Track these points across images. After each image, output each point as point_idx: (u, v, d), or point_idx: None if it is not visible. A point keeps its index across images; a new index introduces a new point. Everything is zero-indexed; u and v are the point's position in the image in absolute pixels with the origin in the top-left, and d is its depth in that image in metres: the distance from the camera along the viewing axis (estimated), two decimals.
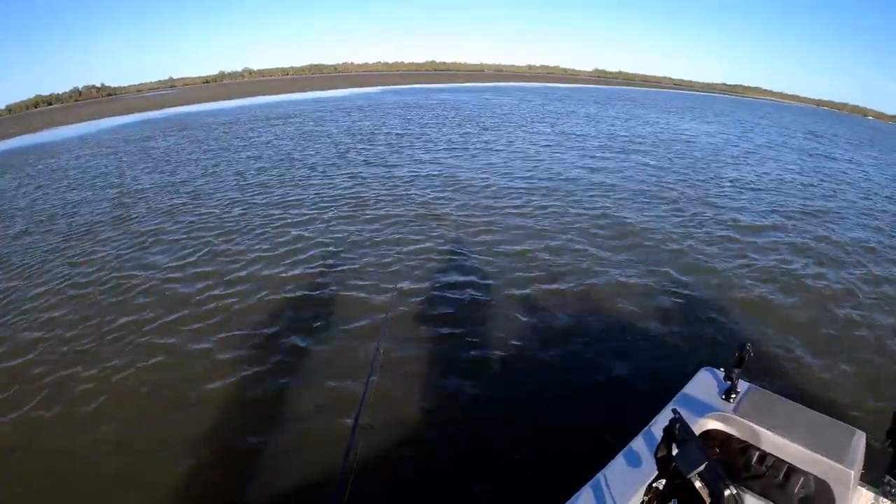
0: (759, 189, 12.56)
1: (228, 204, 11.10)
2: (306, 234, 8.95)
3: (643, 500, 1.99)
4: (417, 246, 8.19)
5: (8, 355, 5.76)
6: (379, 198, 10.85)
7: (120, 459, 4.15)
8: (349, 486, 1.61)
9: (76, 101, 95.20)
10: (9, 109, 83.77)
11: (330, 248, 8.26)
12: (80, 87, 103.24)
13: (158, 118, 35.51)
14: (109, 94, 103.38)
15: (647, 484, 1.98)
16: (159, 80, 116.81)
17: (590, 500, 2.14)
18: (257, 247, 8.47)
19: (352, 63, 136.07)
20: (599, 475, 2.26)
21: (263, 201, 11.13)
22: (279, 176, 13.43)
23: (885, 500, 2.36)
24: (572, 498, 2.17)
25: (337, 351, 5.45)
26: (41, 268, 8.29)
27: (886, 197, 13.36)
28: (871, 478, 2.39)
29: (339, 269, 7.47)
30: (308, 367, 5.24)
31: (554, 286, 6.74)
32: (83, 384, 5.14)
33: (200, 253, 8.38)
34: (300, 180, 12.87)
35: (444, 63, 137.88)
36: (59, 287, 7.46)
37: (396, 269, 7.34)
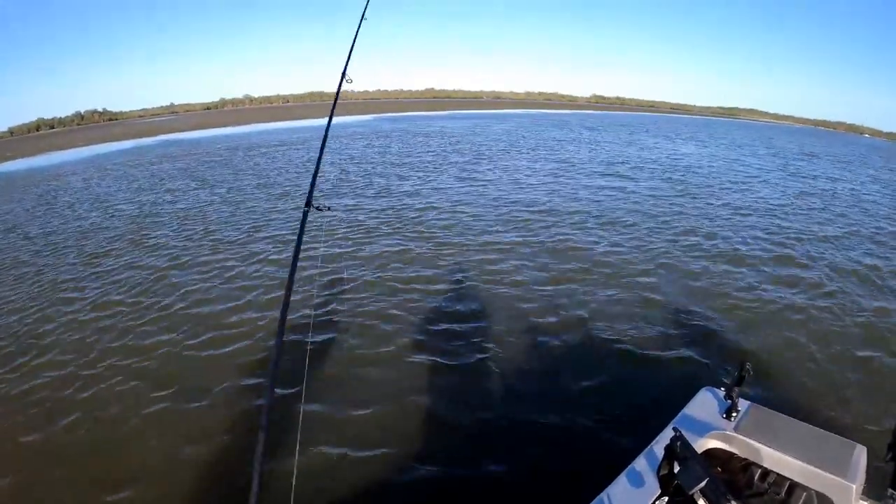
0: (752, 213, 12.38)
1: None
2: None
3: None
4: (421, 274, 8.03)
5: None
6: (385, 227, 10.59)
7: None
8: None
9: (78, 124, 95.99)
10: (10, 132, 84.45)
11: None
12: (83, 111, 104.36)
13: (154, 144, 35.62)
14: (111, 119, 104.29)
15: (651, 502, 2.04)
16: (161, 106, 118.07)
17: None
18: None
19: (351, 91, 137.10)
20: (602, 495, 2.25)
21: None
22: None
23: None
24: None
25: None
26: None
27: (885, 217, 13.27)
28: (873, 492, 2.36)
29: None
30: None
31: (552, 312, 6.63)
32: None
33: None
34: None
35: (444, 90, 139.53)
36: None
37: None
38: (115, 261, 9.06)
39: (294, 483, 1.76)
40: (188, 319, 6.64)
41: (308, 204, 2.82)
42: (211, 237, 10.17)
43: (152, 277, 8.07)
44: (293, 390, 4.27)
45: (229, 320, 6.53)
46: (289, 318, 2.14)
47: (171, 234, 10.61)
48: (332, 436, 4.33)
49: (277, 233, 10.18)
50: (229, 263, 8.53)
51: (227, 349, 5.85)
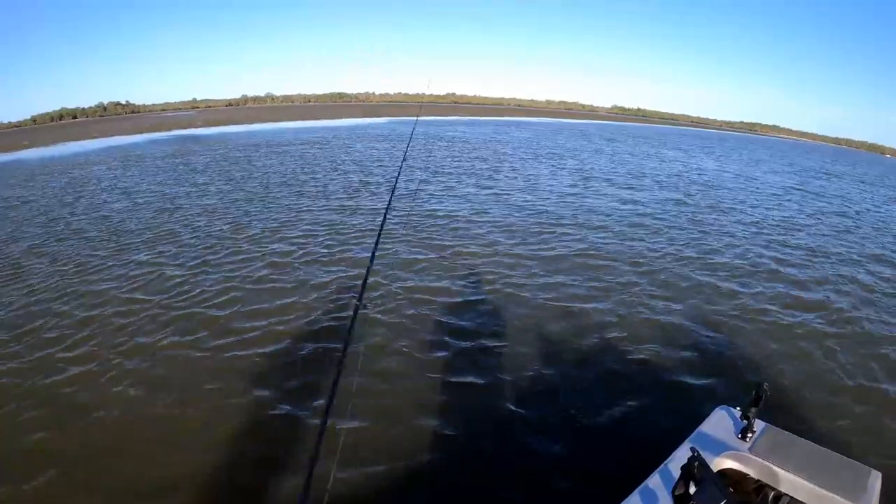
0: (769, 230, 12.12)
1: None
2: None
3: None
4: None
5: None
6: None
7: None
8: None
9: (100, 116, 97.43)
10: (34, 120, 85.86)
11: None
12: (106, 102, 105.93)
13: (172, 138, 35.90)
14: (133, 112, 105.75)
15: None
16: (182, 101, 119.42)
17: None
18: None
19: (373, 93, 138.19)
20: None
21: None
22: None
23: None
24: None
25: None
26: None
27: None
28: None
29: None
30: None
31: (570, 326, 6.53)
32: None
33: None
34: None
35: (465, 96, 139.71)
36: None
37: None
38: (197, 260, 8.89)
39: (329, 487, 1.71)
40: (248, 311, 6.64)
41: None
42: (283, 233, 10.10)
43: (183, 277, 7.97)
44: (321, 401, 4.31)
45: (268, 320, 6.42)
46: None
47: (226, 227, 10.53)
48: (368, 445, 4.22)
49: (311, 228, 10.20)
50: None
51: (265, 350, 5.73)
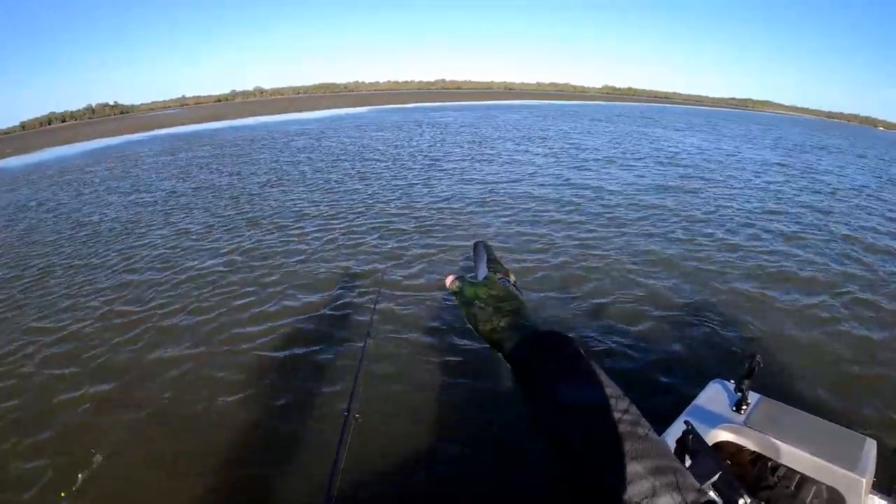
0: (760, 205, 12.07)
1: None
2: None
3: None
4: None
5: None
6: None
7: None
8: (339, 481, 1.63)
9: (89, 118, 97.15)
10: (22, 126, 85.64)
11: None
12: (94, 104, 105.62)
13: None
14: (123, 112, 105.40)
15: None
16: (171, 99, 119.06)
17: None
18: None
19: (362, 81, 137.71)
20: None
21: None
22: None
23: None
24: None
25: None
26: None
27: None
28: (883, 486, 2.36)
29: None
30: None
31: (565, 297, 6.73)
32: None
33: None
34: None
35: (454, 81, 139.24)
36: None
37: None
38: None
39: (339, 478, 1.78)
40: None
41: None
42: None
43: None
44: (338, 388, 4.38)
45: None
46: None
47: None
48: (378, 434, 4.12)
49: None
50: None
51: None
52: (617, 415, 0.54)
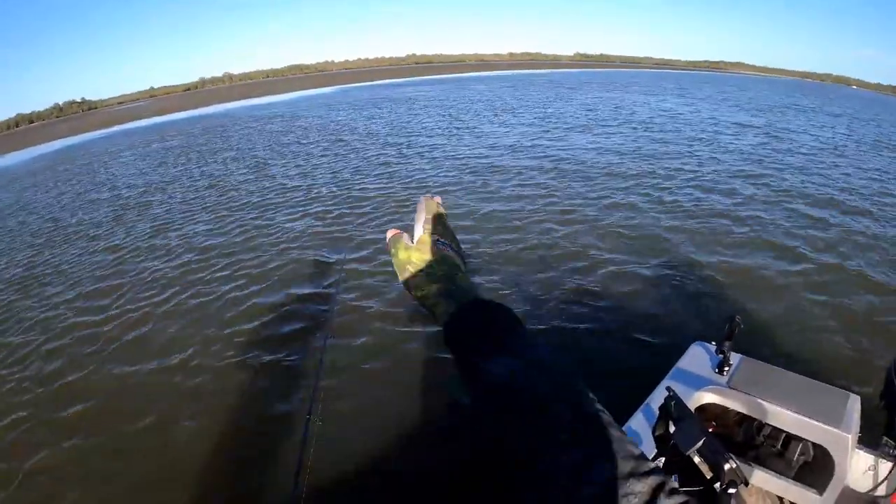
0: (732, 162, 12.43)
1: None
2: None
3: None
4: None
5: None
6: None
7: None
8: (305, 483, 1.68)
9: (57, 116, 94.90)
10: None
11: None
12: (61, 102, 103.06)
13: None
14: (91, 108, 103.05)
15: None
16: (139, 91, 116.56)
17: None
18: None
19: (332, 61, 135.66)
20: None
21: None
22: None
23: (883, 461, 2.37)
24: None
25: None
26: None
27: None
28: (868, 440, 2.40)
29: None
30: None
31: (543, 269, 6.76)
32: None
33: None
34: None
35: (426, 56, 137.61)
36: None
37: None
38: None
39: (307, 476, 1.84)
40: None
41: None
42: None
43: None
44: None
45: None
46: None
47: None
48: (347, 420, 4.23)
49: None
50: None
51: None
52: (545, 389, 0.52)
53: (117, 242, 9.15)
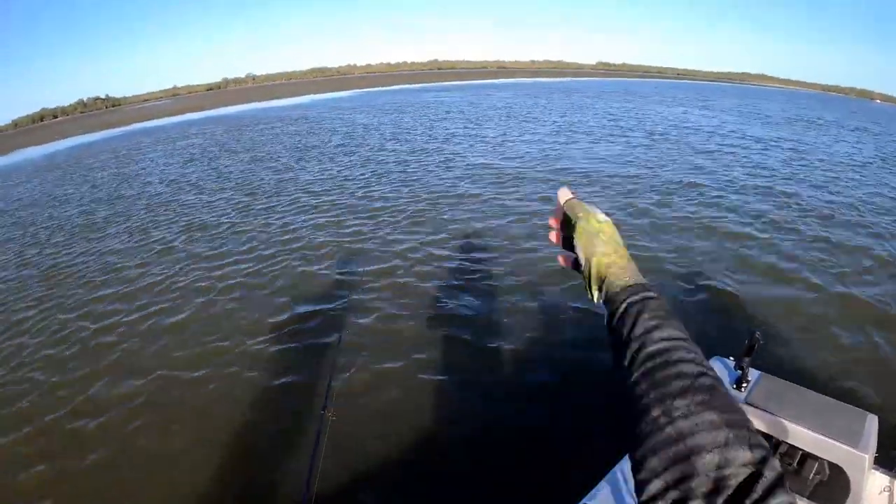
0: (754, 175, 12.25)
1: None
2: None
3: None
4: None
5: None
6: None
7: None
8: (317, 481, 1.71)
9: (81, 112, 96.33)
10: (14, 124, 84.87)
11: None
12: (86, 98, 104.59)
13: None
14: (114, 105, 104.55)
15: None
16: (163, 90, 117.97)
17: (610, 492, 2.26)
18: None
19: (355, 65, 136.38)
20: (616, 469, 2.37)
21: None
22: None
23: None
24: (591, 492, 2.29)
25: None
26: None
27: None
28: (885, 461, 2.37)
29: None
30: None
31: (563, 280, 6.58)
32: None
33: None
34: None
35: (448, 61, 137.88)
36: None
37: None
38: None
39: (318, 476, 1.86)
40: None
41: None
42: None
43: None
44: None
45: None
46: None
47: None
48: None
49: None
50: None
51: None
52: (698, 368, 0.58)
53: (128, 246, 9.22)
